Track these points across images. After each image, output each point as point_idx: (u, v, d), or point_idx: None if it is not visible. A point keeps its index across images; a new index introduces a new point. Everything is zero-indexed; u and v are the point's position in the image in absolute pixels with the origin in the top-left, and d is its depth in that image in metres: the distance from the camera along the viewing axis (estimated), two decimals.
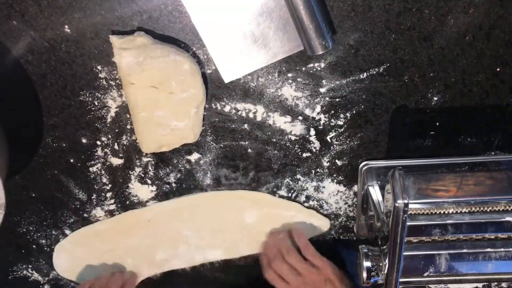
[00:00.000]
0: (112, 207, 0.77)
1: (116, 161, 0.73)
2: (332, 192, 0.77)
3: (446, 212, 0.63)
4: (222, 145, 0.73)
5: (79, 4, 0.62)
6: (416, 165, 0.72)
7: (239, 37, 0.64)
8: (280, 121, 0.71)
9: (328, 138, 0.72)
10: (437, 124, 0.71)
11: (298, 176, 0.75)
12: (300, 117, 0.71)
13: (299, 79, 0.68)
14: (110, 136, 0.71)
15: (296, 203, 0.77)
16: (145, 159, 0.74)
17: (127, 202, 0.77)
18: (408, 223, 0.58)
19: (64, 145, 0.72)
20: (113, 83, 0.68)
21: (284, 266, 0.71)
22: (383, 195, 0.68)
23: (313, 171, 0.75)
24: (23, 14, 0.63)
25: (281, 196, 0.77)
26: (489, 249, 0.62)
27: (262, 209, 0.76)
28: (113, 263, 0.79)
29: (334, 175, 0.75)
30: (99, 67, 0.67)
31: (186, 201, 0.76)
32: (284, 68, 0.67)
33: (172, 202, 0.76)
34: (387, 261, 0.60)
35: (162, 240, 0.78)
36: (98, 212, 0.77)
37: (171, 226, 0.77)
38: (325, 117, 0.71)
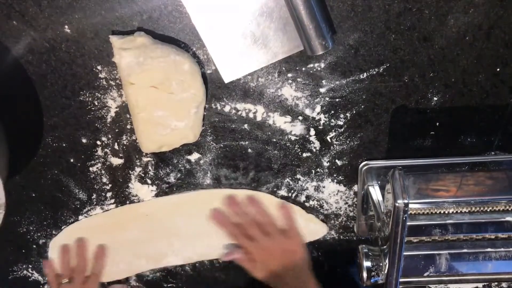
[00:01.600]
0: (112, 207, 0.77)
1: (116, 161, 0.73)
2: (332, 192, 0.77)
3: (446, 212, 0.63)
4: (222, 145, 0.73)
5: (79, 4, 0.62)
6: (416, 165, 0.72)
7: (239, 37, 0.64)
8: (280, 121, 0.71)
9: (328, 138, 0.72)
10: (437, 124, 0.71)
11: (298, 176, 0.75)
12: (300, 117, 0.71)
13: (299, 79, 0.68)
14: (110, 136, 0.71)
15: (296, 206, 0.76)
16: (145, 159, 0.74)
17: (127, 202, 0.77)
18: (408, 223, 0.58)
19: (64, 145, 0.72)
20: (113, 83, 0.68)
21: (251, 223, 0.71)
22: (383, 195, 0.68)
23: (313, 171, 0.75)
24: (23, 14, 0.63)
25: (282, 196, 0.77)
26: (489, 249, 0.62)
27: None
28: (109, 258, 0.79)
29: (334, 175, 0.75)
30: (99, 67, 0.66)
31: (185, 197, 0.76)
32: (284, 68, 0.67)
33: (171, 197, 0.76)
34: (387, 261, 0.61)
35: (159, 235, 0.78)
36: (98, 212, 0.77)
37: (170, 222, 0.77)
38: (325, 117, 0.71)
